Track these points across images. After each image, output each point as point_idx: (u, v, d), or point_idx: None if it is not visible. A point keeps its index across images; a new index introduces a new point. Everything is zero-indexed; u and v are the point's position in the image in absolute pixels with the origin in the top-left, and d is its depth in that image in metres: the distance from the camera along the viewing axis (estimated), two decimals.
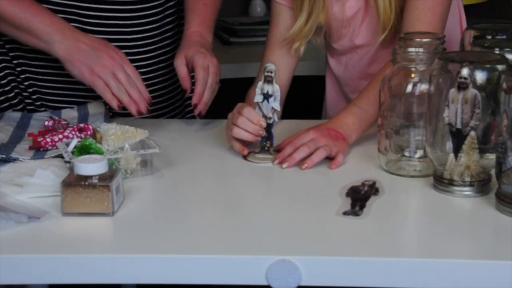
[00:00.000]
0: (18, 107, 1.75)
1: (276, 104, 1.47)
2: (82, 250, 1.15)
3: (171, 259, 1.13)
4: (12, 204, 1.25)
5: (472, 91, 1.24)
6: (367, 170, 1.41)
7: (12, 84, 1.75)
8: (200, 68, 1.63)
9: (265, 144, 1.48)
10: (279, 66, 1.62)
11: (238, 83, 1.94)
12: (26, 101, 1.75)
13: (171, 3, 1.82)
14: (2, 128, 1.58)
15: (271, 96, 1.46)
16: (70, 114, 1.69)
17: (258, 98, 1.47)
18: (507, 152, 1.21)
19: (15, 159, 1.43)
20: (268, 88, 1.46)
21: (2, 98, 1.74)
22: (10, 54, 1.74)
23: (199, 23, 1.76)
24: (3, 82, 1.74)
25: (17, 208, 1.23)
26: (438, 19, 1.56)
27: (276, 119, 1.48)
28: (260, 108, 1.48)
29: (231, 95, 1.74)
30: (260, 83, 1.47)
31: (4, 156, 1.43)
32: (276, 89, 1.46)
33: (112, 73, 1.56)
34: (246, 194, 1.33)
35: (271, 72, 1.46)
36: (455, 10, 1.72)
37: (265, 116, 1.47)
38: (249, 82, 1.70)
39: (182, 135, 1.64)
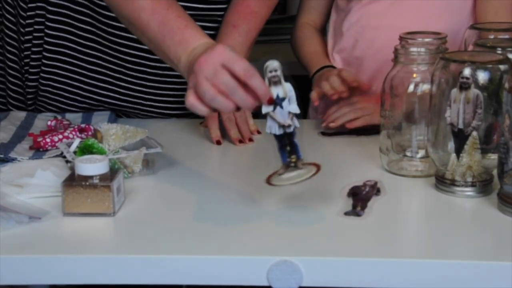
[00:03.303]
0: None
1: (293, 106, 1.17)
2: (83, 251, 1.15)
3: (172, 259, 1.12)
4: (13, 204, 1.25)
5: (474, 91, 1.24)
6: (368, 170, 1.41)
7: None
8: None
9: (289, 160, 1.19)
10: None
11: None
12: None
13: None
14: (5, 128, 1.58)
15: (283, 99, 1.16)
16: (74, 114, 1.69)
17: (266, 108, 1.17)
18: (509, 152, 1.21)
19: (13, 159, 1.43)
20: (277, 90, 1.16)
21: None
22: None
23: None
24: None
25: (18, 208, 1.23)
26: None
27: (297, 125, 1.18)
28: (272, 118, 1.17)
29: None
30: None
31: (2, 156, 1.43)
32: (288, 89, 1.17)
33: None
34: (247, 194, 1.32)
35: (275, 71, 1.16)
36: (464, 9, 1.70)
37: (282, 126, 1.17)
38: None
39: (183, 135, 1.64)
